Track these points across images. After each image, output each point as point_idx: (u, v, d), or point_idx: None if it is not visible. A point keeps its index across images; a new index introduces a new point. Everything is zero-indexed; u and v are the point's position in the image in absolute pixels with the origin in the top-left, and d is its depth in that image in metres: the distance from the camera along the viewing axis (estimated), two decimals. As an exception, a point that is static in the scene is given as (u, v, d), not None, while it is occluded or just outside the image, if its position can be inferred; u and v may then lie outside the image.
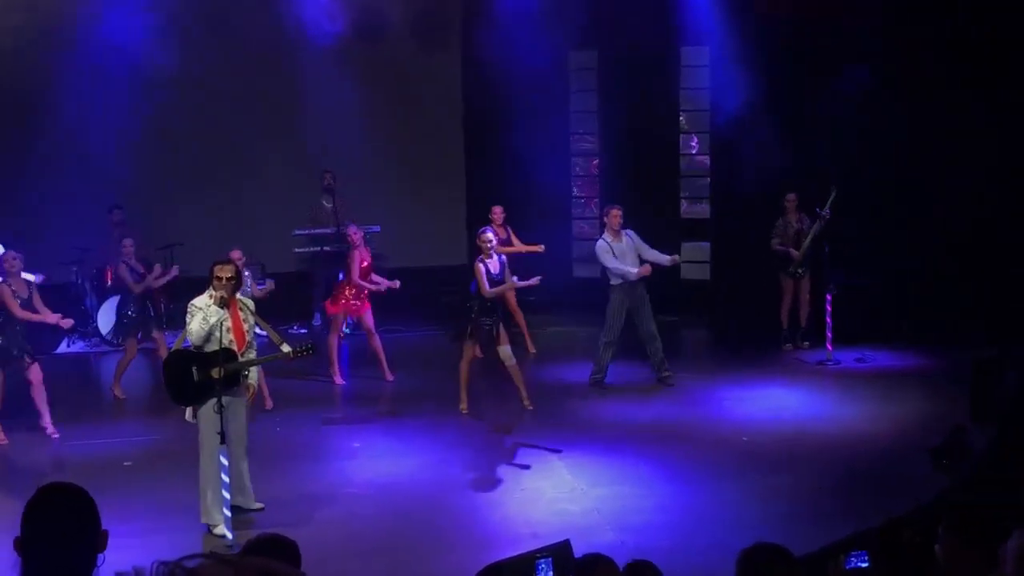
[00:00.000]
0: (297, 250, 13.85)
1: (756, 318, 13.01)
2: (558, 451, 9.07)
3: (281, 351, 7.75)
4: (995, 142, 12.32)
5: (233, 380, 7.46)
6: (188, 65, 13.58)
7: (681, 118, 14.68)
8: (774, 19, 13.14)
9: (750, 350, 12.40)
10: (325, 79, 13.76)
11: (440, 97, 15.09)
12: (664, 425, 9.80)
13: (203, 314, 7.41)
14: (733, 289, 13.87)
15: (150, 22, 13.09)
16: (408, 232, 14.29)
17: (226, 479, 7.26)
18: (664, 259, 10.87)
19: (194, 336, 7.44)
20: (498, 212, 12.26)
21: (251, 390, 7.74)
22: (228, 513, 7.29)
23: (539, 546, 5.75)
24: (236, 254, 9.89)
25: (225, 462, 7.24)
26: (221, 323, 7.38)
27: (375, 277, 11.13)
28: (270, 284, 10.77)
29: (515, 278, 10.25)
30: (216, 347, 7.31)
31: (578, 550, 5.26)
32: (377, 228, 13.15)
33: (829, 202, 11.67)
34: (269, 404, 10.29)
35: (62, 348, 12.66)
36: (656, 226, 12.11)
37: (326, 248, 13.48)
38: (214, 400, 7.22)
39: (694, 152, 14.72)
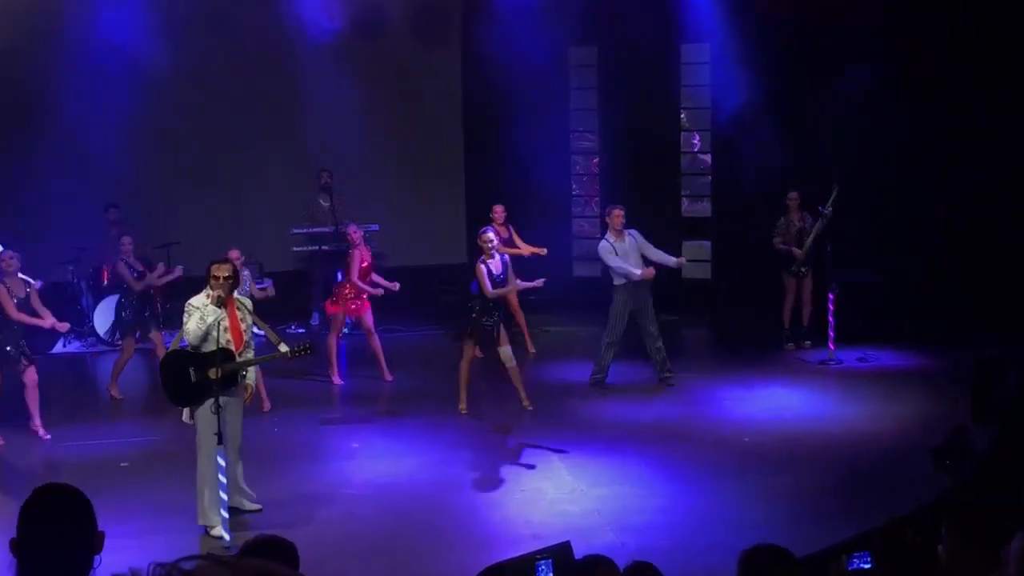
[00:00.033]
0: (295, 249, 13.81)
1: (757, 317, 12.98)
2: (558, 451, 9.04)
3: (279, 351, 7.73)
4: (996, 142, 12.32)
5: (231, 380, 7.43)
6: (186, 63, 13.56)
7: (682, 116, 14.64)
8: (775, 18, 13.12)
9: (751, 349, 12.36)
10: (324, 76, 13.71)
11: (440, 94, 15.04)
12: (665, 425, 9.77)
13: (200, 313, 7.38)
14: (734, 288, 13.83)
15: (148, 20, 13.06)
16: (407, 230, 14.24)
17: (223, 480, 7.22)
18: (671, 261, 10.82)
19: (191, 336, 7.40)
20: (499, 211, 12.16)
21: (249, 390, 7.71)
22: (226, 514, 7.26)
23: (539, 547, 5.71)
24: (234, 253, 9.86)
25: (223, 463, 7.21)
26: (218, 323, 7.35)
27: (375, 277, 11.08)
28: (270, 289, 10.71)
29: (519, 280, 10.18)
30: (213, 347, 7.28)
31: (578, 551, 5.23)
32: (376, 227, 13.10)
33: (831, 200, 11.65)
34: (267, 406, 10.24)
35: (58, 348, 12.61)
36: (657, 225, 12.07)
37: (324, 247, 13.44)
38: (211, 400, 7.18)
39: (696, 150, 14.67)
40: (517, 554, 5.72)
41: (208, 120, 14.13)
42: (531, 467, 8.77)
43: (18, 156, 13.31)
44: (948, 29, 12.39)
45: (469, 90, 15.08)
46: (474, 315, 9.91)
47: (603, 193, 14.66)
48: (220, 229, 13.04)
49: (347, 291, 11.05)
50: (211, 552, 6.49)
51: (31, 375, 9.43)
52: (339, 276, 12.60)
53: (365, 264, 10.99)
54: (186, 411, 7.70)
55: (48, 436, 9.56)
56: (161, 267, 11.29)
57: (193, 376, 7.39)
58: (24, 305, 9.41)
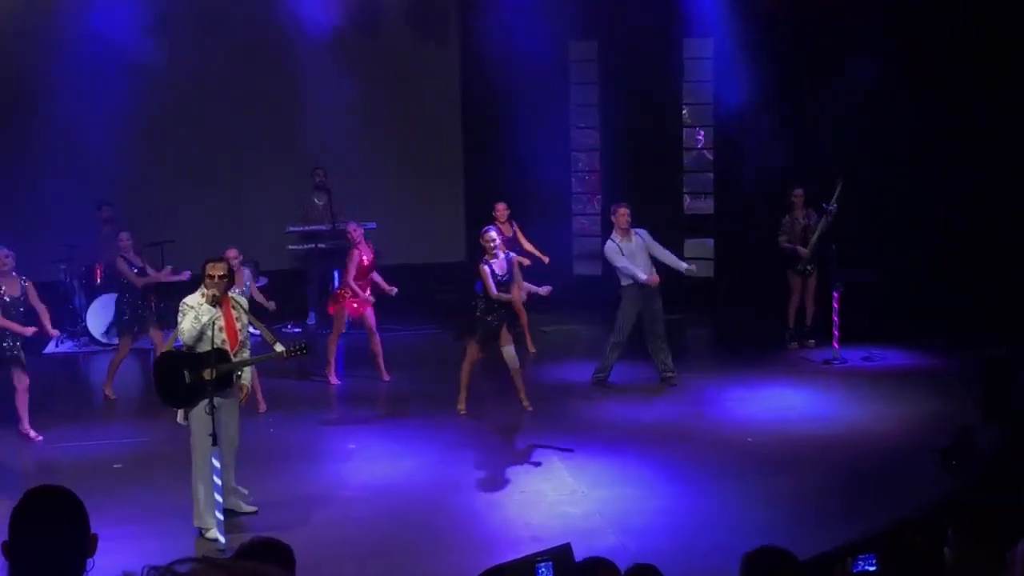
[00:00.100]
0: (291, 247, 13.74)
1: (760, 316, 12.92)
2: (559, 452, 8.96)
3: (275, 351, 7.67)
4: (997, 141, 12.34)
5: (226, 381, 7.35)
6: (180, 61, 13.50)
7: (684, 111, 14.57)
8: (777, 15, 13.08)
9: (754, 349, 12.29)
10: (321, 73, 13.62)
11: (438, 90, 14.95)
12: (667, 426, 9.70)
13: (195, 313, 7.30)
14: (737, 286, 13.77)
15: (141, 16, 12.98)
16: (405, 229, 14.14)
17: (218, 482, 7.14)
18: (680, 265, 10.75)
19: (186, 335, 7.32)
20: (502, 209, 11.98)
21: (244, 391, 7.63)
22: (221, 516, 7.18)
23: (539, 549, 5.66)
24: (232, 252, 9.78)
25: (218, 464, 7.13)
26: (213, 322, 7.27)
27: (375, 277, 10.98)
28: (271, 304, 10.60)
29: (527, 284, 10.06)
30: (208, 347, 7.20)
31: (579, 553, 5.16)
32: (373, 225, 12.99)
33: (836, 195, 11.61)
34: (262, 407, 10.15)
35: (50, 348, 12.52)
36: (658, 223, 11.99)
37: (320, 245, 13.38)
38: (206, 401, 7.10)
39: (700, 146, 14.59)
40: (517, 556, 5.67)
41: (204, 119, 14.05)
42: (531, 468, 8.70)
43: (9, 155, 13.25)
44: (948, 29, 12.42)
45: (468, 86, 14.98)
46: (478, 314, 9.82)
47: (604, 190, 14.58)
48: (216, 228, 12.98)
49: (346, 291, 10.97)
50: (206, 555, 6.43)
51: (22, 378, 9.35)
52: (336, 275, 12.53)
53: (367, 263, 10.90)
54: (180, 412, 7.63)
55: (40, 438, 9.47)
56: (169, 269, 11.24)
57: (187, 377, 7.32)
58: (22, 304, 9.32)
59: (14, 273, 9.40)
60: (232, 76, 14.03)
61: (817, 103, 13.03)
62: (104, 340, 12.51)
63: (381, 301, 11.11)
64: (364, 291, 10.84)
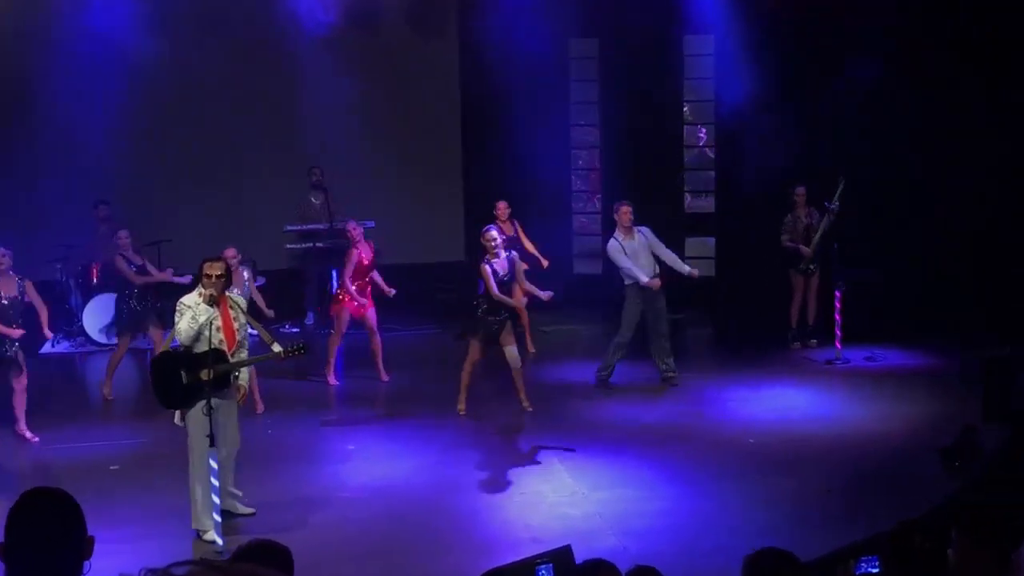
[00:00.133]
0: (288, 246, 13.70)
1: (762, 315, 12.88)
2: (559, 453, 8.92)
3: (273, 351, 7.63)
4: (997, 141, 12.34)
5: (223, 382, 7.31)
6: (178, 59, 13.46)
7: (685, 109, 14.51)
8: (779, 14, 13.05)
9: (755, 348, 12.24)
10: (321, 72, 13.56)
11: (437, 87, 14.88)
12: (668, 426, 9.66)
13: (192, 312, 7.26)
14: (738, 286, 13.73)
15: (138, 15, 12.93)
16: (404, 228, 14.07)
17: (216, 483, 7.10)
18: (683, 268, 10.71)
19: (183, 335, 7.28)
20: (503, 207, 11.87)
21: (242, 391, 7.59)
22: (218, 518, 7.14)
23: (539, 551, 5.63)
24: (230, 252, 9.72)
25: (215, 465, 7.09)
26: (211, 322, 7.24)
27: (375, 276, 10.94)
28: (271, 312, 10.55)
29: (530, 285, 10.01)
30: (206, 347, 7.16)
31: (579, 555, 5.13)
32: (371, 224, 12.95)
33: (837, 194, 11.59)
34: (260, 408, 10.10)
35: (46, 348, 12.46)
36: (659, 221, 11.93)
37: (318, 244, 13.34)
38: (203, 402, 7.06)
39: (701, 144, 14.55)
40: (517, 558, 5.65)
41: (204, 118, 14.00)
42: (531, 469, 8.67)
43: (8, 154, 13.20)
44: (948, 29, 12.42)
45: (467, 83, 14.91)
46: (480, 313, 9.78)
47: (604, 188, 14.53)
48: (215, 227, 12.93)
49: (343, 292, 10.92)
50: (204, 557, 6.38)
51: (20, 379, 9.30)
52: (334, 274, 12.48)
53: (366, 262, 10.85)
54: (177, 413, 7.58)
55: (36, 439, 9.43)
56: (171, 271, 11.21)
57: (184, 378, 7.27)
58: (19, 304, 9.26)
59: (11, 272, 9.36)
60: (231, 76, 13.98)
61: (818, 102, 13.01)
62: (101, 340, 12.46)
63: (380, 301, 11.06)
64: (364, 291, 10.79)
